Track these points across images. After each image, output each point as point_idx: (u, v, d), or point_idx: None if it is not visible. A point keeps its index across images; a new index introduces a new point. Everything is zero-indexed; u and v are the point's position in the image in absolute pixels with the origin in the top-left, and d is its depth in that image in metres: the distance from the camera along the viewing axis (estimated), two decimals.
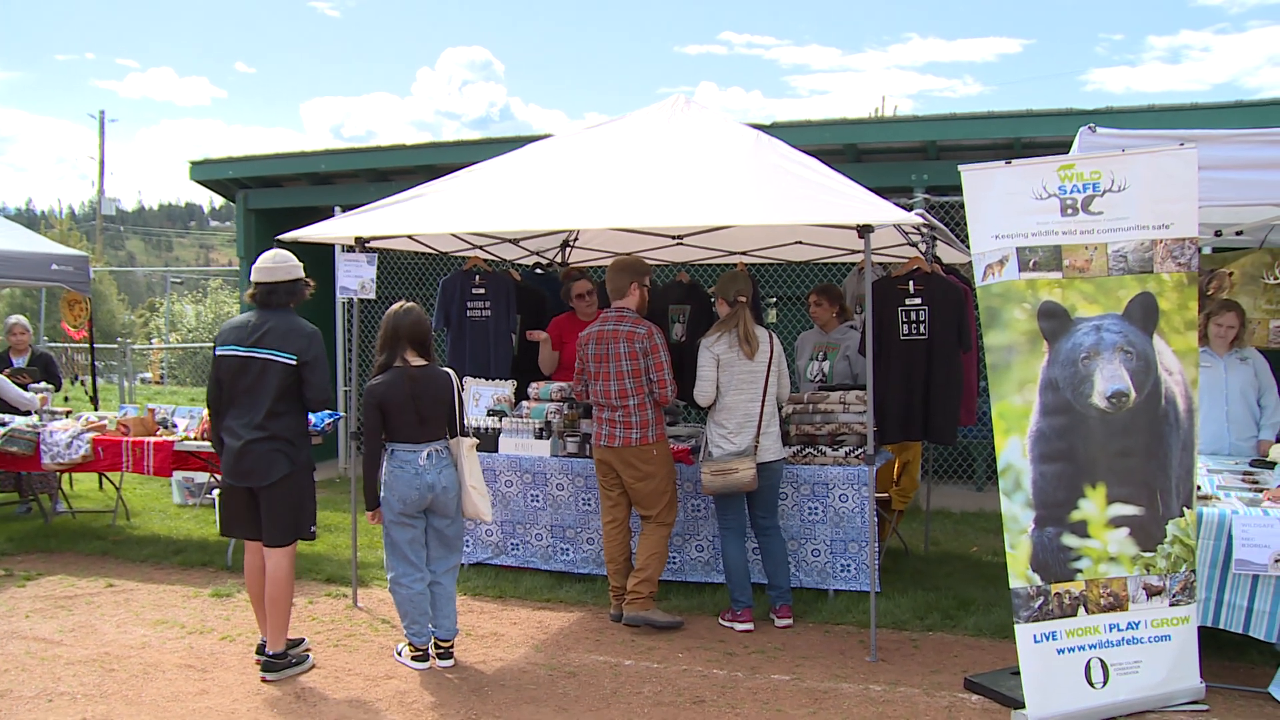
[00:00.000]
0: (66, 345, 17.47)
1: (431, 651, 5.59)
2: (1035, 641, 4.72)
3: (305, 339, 5.41)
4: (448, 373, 5.63)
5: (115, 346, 17.29)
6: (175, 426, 8.30)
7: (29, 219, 65.14)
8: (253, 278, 5.51)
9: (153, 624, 6.25)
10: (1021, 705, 4.71)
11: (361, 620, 6.36)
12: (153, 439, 8.01)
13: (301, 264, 5.58)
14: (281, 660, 5.45)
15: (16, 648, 5.82)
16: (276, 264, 5.51)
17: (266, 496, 5.41)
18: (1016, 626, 4.74)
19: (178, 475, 9.71)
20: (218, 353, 5.47)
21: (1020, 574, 4.76)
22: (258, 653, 5.55)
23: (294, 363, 5.36)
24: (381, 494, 5.54)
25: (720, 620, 6.25)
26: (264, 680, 5.36)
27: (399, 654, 5.67)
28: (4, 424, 8.08)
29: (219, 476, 8.98)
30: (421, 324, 5.59)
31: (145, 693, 5.18)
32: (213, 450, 7.65)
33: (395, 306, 5.62)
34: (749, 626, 6.14)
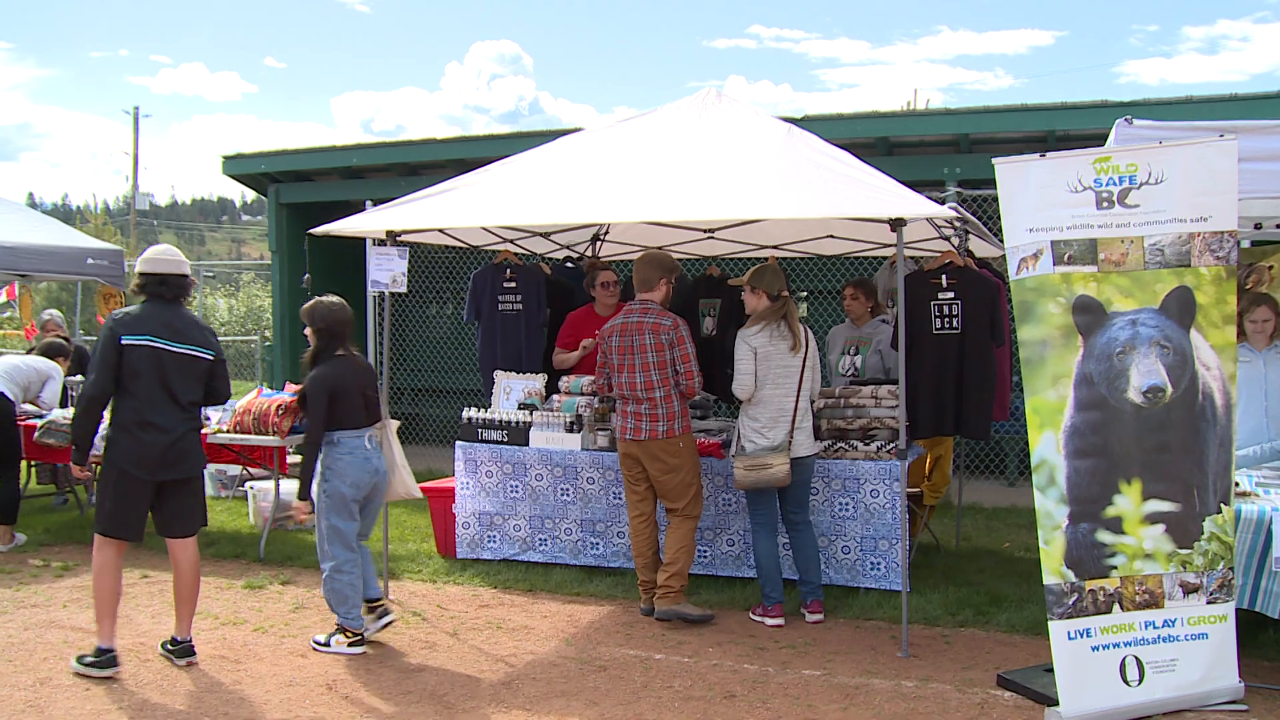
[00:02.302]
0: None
1: (366, 619, 5.78)
2: (1069, 638, 4.67)
3: (214, 335, 5.58)
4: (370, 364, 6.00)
5: None
6: (208, 419, 8.35)
7: (65, 214, 65.78)
8: (146, 268, 5.41)
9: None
10: (1055, 703, 4.67)
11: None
12: None
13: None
14: (189, 644, 5.52)
15: (55, 637, 5.89)
16: (170, 256, 5.50)
17: (183, 488, 5.45)
18: (1050, 623, 4.70)
19: (210, 468, 9.78)
20: (131, 342, 5.24)
21: (1054, 570, 4.71)
22: (164, 647, 5.57)
23: (211, 358, 5.45)
24: (323, 485, 5.65)
25: (751, 615, 6.23)
26: (187, 664, 5.45)
27: (326, 644, 5.71)
28: (42, 417, 8.17)
29: (252, 469, 9.11)
30: (351, 317, 5.85)
31: (180, 683, 5.23)
32: (246, 443, 7.80)
33: (326, 300, 5.81)
34: (780, 621, 6.12)
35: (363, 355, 5.91)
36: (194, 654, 5.51)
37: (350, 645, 5.68)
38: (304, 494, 5.68)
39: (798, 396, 6.14)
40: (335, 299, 5.84)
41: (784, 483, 6.07)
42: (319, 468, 5.68)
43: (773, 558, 6.21)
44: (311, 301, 5.83)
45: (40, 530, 8.39)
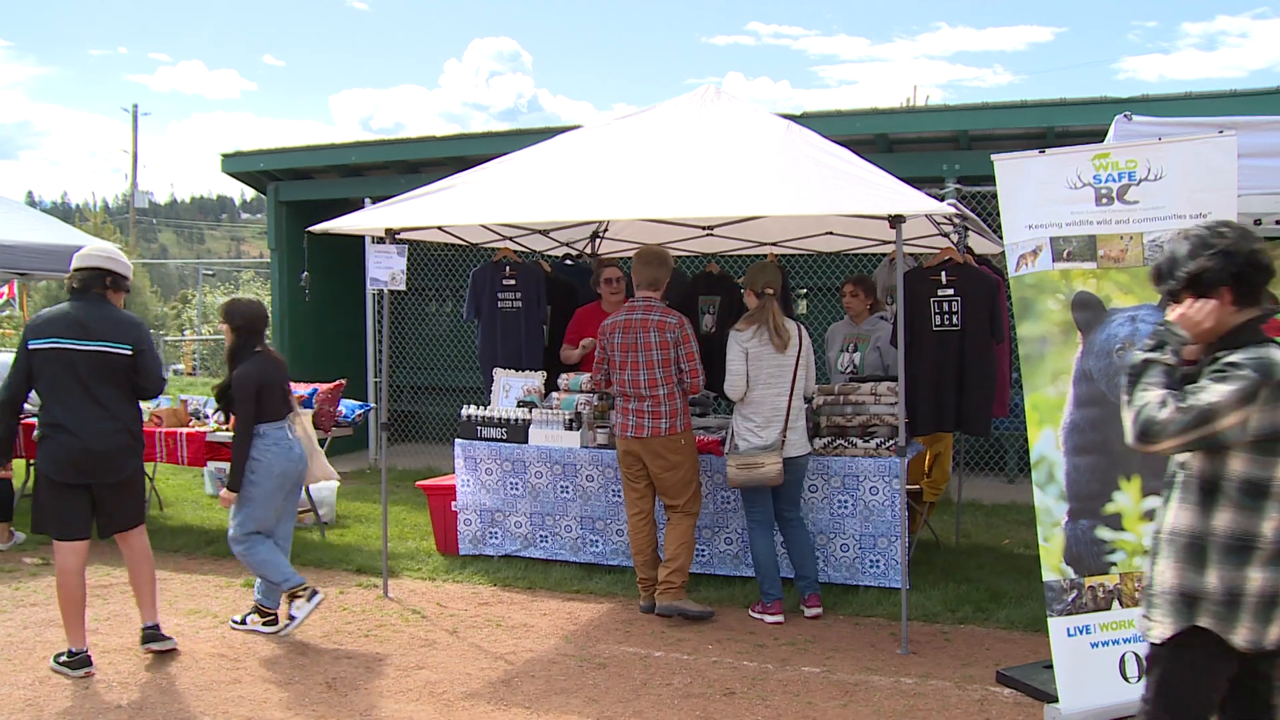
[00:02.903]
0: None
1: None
2: (1069, 635, 4.67)
3: (137, 328, 5.46)
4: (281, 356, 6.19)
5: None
6: (208, 418, 8.37)
7: (64, 212, 65.84)
8: (80, 263, 5.39)
9: (186, 613, 6.29)
10: (1054, 699, 4.67)
11: (392, 611, 6.39)
12: (185, 430, 8.08)
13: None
14: (160, 629, 5.58)
15: (54, 635, 5.88)
16: (105, 252, 5.50)
17: (118, 488, 5.38)
18: (1049, 620, 4.70)
19: (210, 466, 9.77)
20: (39, 345, 5.21)
21: (1053, 567, 4.71)
22: (145, 640, 5.58)
23: (130, 353, 5.35)
24: (250, 475, 5.78)
25: (750, 613, 6.23)
26: (151, 650, 5.51)
27: (244, 623, 5.96)
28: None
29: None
30: (267, 315, 6.08)
31: (179, 681, 5.23)
32: None
33: (243, 299, 6.07)
34: (780, 618, 6.12)
35: (276, 349, 6.09)
36: (165, 638, 5.55)
37: (265, 624, 5.94)
38: (234, 484, 5.79)
39: (790, 396, 6.13)
40: (252, 298, 6.10)
41: (775, 482, 6.07)
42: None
43: (770, 555, 6.21)
44: (229, 300, 6.04)
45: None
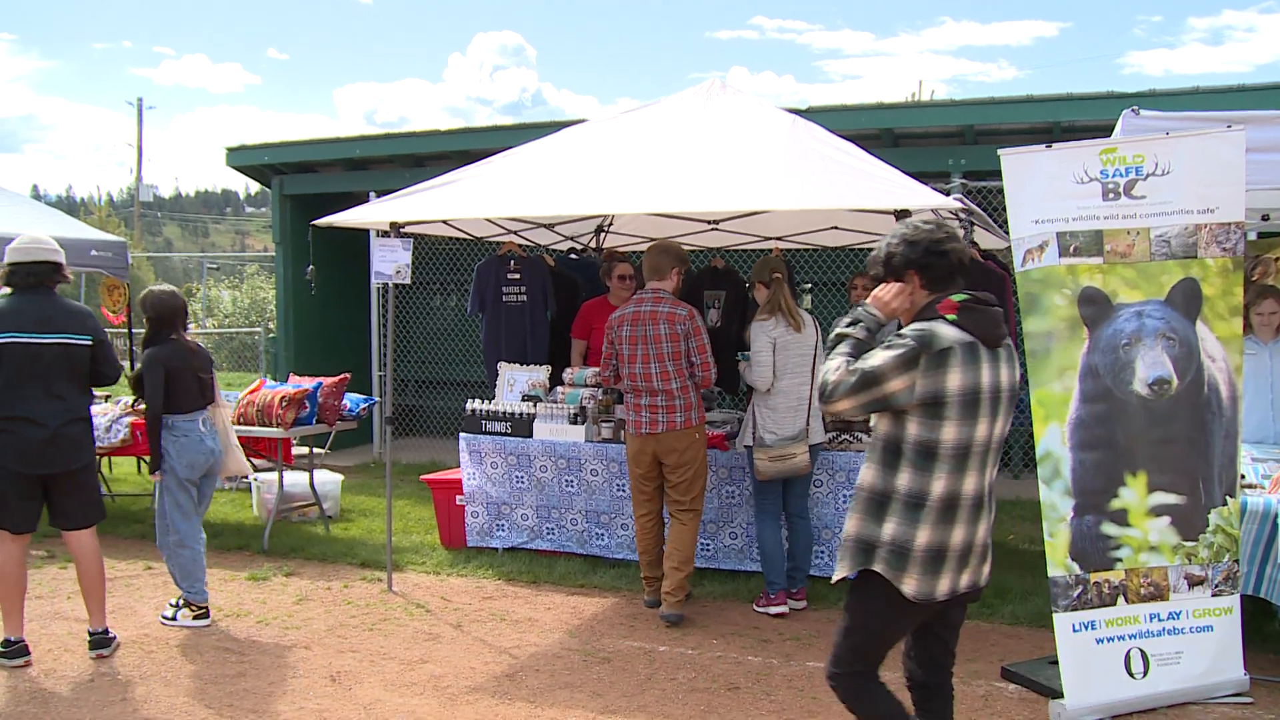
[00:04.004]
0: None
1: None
2: (1074, 631, 4.67)
3: (91, 318, 5.51)
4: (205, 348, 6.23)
5: None
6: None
7: (69, 205, 65.84)
8: (13, 259, 5.37)
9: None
10: (1060, 695, 4.66)
11: (396, 604, 6.39)
12: None
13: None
14: (107, 635, 5.54)
15: (59, 628, 5.89)
16: (38, 244, 5.45)
17: (75, 479, 5.40)
18: (1055, 615, 4.70)
19: None
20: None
21: (1059, 562, 4.70)
22: (92, 646, 5.52)
23: (89, 343, 5.41)
24: (161, 466, 5.89)
25: (755, 607, 6.23)
26: (101, 656, 5.46)
27: (173, 619, 5.98)
28: None
29: (256, 461, 9.10)
30: (186, 305, 6.13)
31: (183, 674, 5.23)
32: (250, 435, 7.80)
33: (158, 289, 6.07)
34: (784, 609, 6.13)
35: (195, 340, 6.16)
36: (108, 645, 5.51)
37: (195, 618, 5.97)
38: (155, 466, 5.91)
39: (812, 383, 6.14)
40: (167, 287, 6.13)
41: (806, 471, 6.12)
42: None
43: (779, 545, 6.21)
44: (146, 291, 6.08)
45: (44, 522, 8.38)
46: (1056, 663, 4.71)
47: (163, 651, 5.54)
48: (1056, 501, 4.73)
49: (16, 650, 5.31)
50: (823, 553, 6.60)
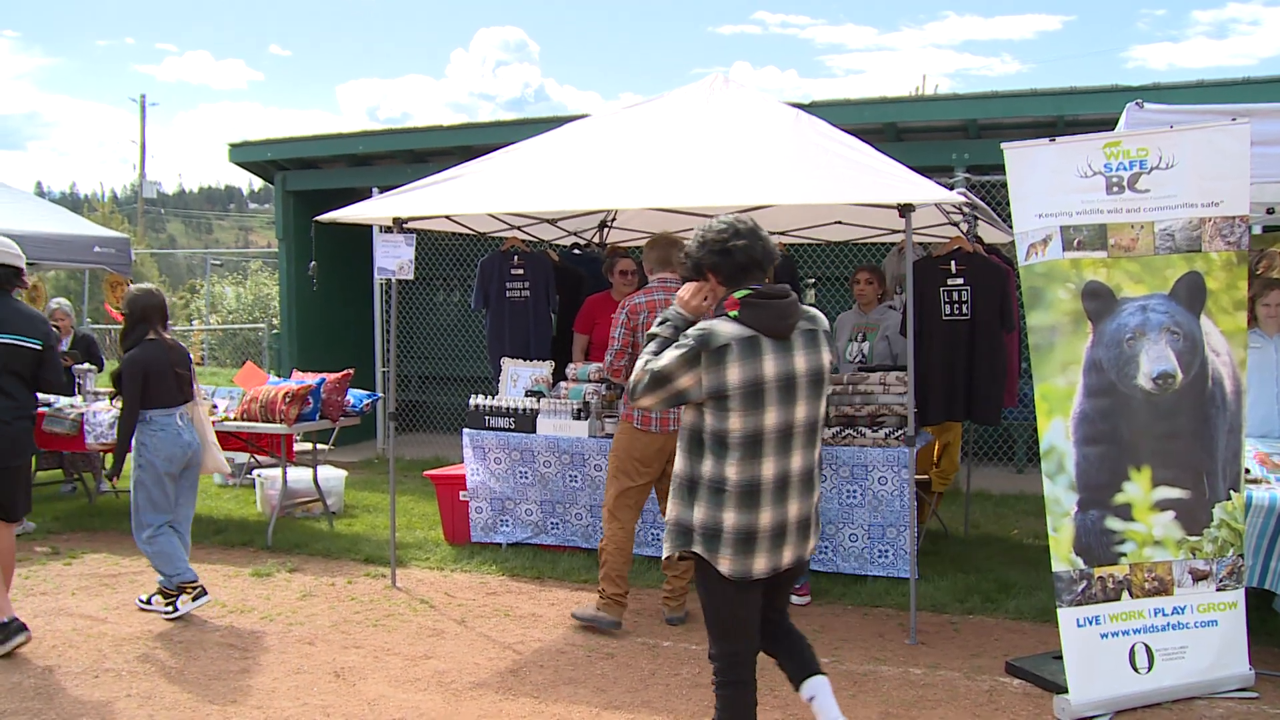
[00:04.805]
0: (109, 326, 17.66)
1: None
2: (1078, 626, 4.66)
3: (44, 324, 5.61)
4: (183, 345, 6.28)
5: None
6: (215, 407, 8.35)
7: (73, 202, 65.89)
8: None
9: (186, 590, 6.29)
10: (1064, 690, 4.65)
11: (400, 600, 6.39)
12: None
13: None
14: (6, 629, 5.50)
15: (64, 624, 5.90)
16: (10, 248, 5.54)
17: (14, 473, 5.49)
18: (1059, 610, 4.69)
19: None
20: None
21: (1063, 557, 4.70)
22: None
23: (39, 348, 5.48)
24: (139, 459, 5.96)
25: None
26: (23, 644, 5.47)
27: (149, 603, 6.11)
28: (49, 404, 8.17)
29: (259, 457, 9.12)
30: (165, 302, 6.17)
31: (188, 670, 5.24)
32: (253, 431, 7.80)
33: (139, 288, 6.16)
34: (807, 599, 6.19)
35: (173, 336, 6.21)
36: (24, 631, 5.45)
37: (194, 600, 6.03)
38: (117, 470, 6.02)
39: None
40: (148, 285, 6.25)
41: None
42: (134, 444, 6.00)
43: None
44: (129, 290, 6.15)
45: (49, 518, 8.40)
46: (1061, 658, 4.70)
47: (167, 648, 5.55)
48: (1060, 496, 4.72)
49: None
50: (825, 548, 6.60)
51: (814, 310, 3.78)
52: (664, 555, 3.76)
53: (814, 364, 3.63)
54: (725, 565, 3.56)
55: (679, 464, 3.66)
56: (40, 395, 8.24)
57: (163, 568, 6.02)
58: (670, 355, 3.52)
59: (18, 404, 5.44)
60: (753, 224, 3.70)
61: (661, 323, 3.73)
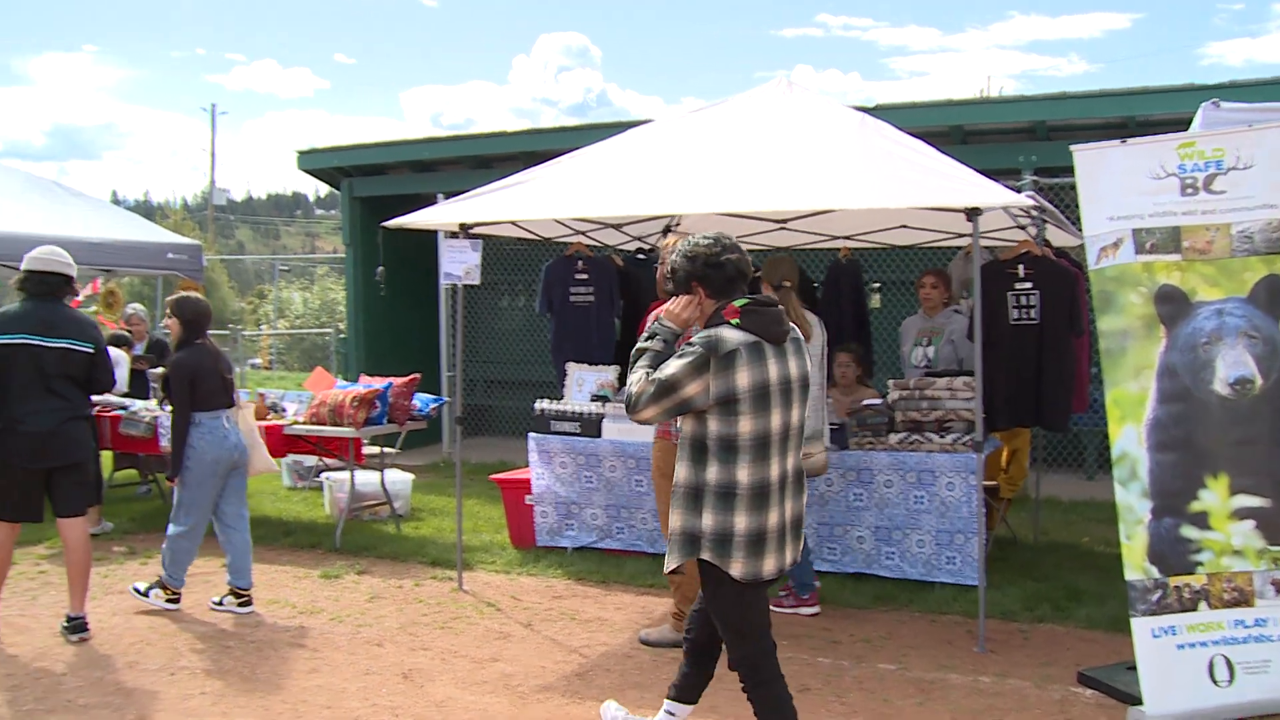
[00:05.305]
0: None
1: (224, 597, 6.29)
2: (1153, 636, 4.56)
3: (95, 329, 5.88)
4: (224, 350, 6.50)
5: (227, 333, 17.76)
6: (285, 411, 8.50)
7: (146, 210, 67.29)
8: (29, 266, 5.67)
9: (265, 603, 6.40)
10: (1138, 701, 4.56)
11: (467, 603, 6.44)
12: (263, 423, 8.20)
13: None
14: (82, 621, 5.74)
15: (141, 622, 6.03)
16: (55, 256, 5.74)
17: (73, 471, 5.70)
18: (1133, 620, 4.60)
19: (287, 458, 9.94)
20: (7, 341, 5.52)
21: (1137, 566, 4.61)
22: (67, 626, 5.74)
23: (91, 351, 5.70)
24: (186, 461, 6.06)
25: (775, 608, 6.14)
26: (83, 641, 5.65)
27: (146, 594, 6.25)
28: (125, 407, 8.36)
29: (327, 460, 9.26)
30: (210, 310, 6.40)
31: (259, 670, 5.32)
32: (322, 435, 7.91)
33: (186, 295, 6.32)
34: (816, 610, 6.14)
35: (216, 342, 6.40)
36: (86, 630, 5.72)
37: (167, 600, 6.23)
38: (176, 470, 6.10)
39: (824, 386, 6.15)
40: (198, 295, 6.47)
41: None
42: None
43: (805, 546, 6.17)
44: (178, 296, 6.30)
45: (126, 519, 8.59)
46: (1134, 668, 4.61)
47: (240, 647, 5.65)
48: (1134, 503, 4.64)
49: None
50: (892, 553, 6.55)
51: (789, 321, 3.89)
52: (668, 568, 3.82)
53: (802, 370, 3.79)
54: (737, 569, 3.64)
55: (681, 473, 3.73)
56: (113, 399, 8.51)
57: (167, 565, 6.22)
58: (676, 364, 3.61)
59: (71, 405, 5.65)
60: (733, 238, 3.86)
61: (650, 337, 3.83)
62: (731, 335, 3.61)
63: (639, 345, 3.84)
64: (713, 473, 3.65)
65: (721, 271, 3.74)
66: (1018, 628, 5.93)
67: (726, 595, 3.74)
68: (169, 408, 6.22)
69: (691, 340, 3.65)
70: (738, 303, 3.69)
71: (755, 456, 3.63)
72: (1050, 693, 4.94)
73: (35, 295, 5.64)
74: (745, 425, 3.60)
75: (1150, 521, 4.62)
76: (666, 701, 4.20)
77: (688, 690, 4.18)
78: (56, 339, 5.57)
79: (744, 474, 3.62)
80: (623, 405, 3.86)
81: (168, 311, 6.26)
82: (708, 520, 3.65)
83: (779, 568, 3.74)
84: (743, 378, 3.58)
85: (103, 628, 5.92)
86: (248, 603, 6.25)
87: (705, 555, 3.66)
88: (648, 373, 3.69)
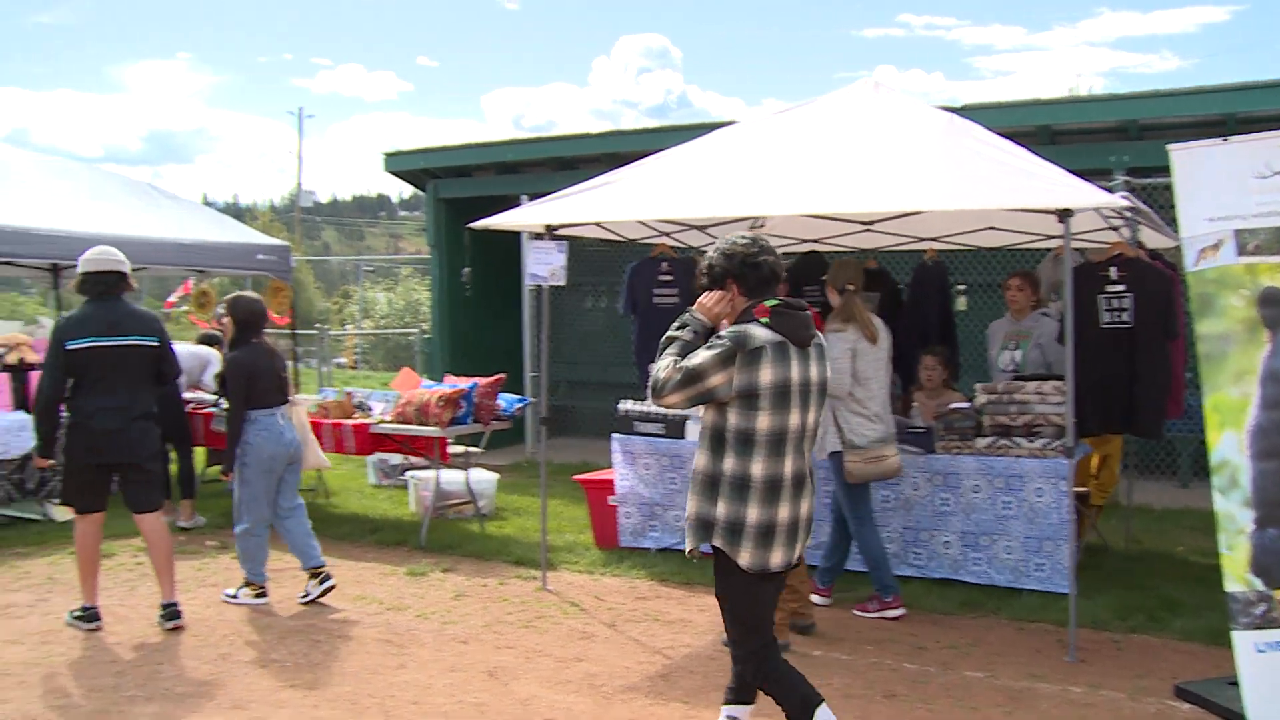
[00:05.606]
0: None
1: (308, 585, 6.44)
2: (1257, 651, 4.41)
3: (158, 322, 6.04)
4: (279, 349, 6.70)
5: (314, 333, 18.05)
6: (371, 409, 8.63)
7: (235, 212, 68.70)
8: (85, 268, 5.81)
9: (353, 599, 6.51)
10: (1241, 717, 4.42)
11: (551, 602, 6.48)
12: (351, 421, 8.35)
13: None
14: (175, 607, 5.95)
15: (234, 614, 6.17)
16: (108, 255, 5.88)
17: (136, 470, 5.88)
18: (1234, 633, 4.46)
19: (372, 456, 10.10)
20: (76, 346, 5.66)
21: (1238, 577, 4.47)
22: (162, 613, 5.94)
23: (157, 344, 5.90)
24: (242, 457, 6.24)
25: (861, 613, 6.10)
26: (178, 627, 5.88)
27: (235, 596, 6.40)
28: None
29: (413, 459, 9.38)
30: (265, 310, 6.57)
31: (347, 665, 5.41)
32: (408, 434, 8.02)
33: (246, 296, 6.51)
34: (903, 611, 6.08)
35: (271, 341, 6.60)
36: (179, 616, 5.93)
37: (256, 596, 6.39)
38: (229, 465, 6.28)
39: (889, 388, 6.12)
40: (253, 294, 6.62)
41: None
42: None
43: (883, 548, 6.14)
44: (234, 295, 6.47)
45: (218, 514, 8.77)
46: (1236, 683, 4.47)
47: (328, 642, 5.75)
48: (1235, 513, 4.51)
49: (91, 616, 5.89)
50: (979, 559, 6.45)
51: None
52: (687, 549, 3.91)
53: (822, 374, 3.89)
54: (745, 558, 3.74)
55: (700, 461, 3.85)
56: (205, 397, 8.72)
57: (244, 564, 6.39)
58: (704, 354, 3.72)
59: (138, 404, 5.83)
60: (768, 240, 3.96)
61: (680, 327, 3.93)
62: (759, 333, 3.72)
63: (669, 334, 3.94)
64: (729, 464, 3.76)
65: (757, 271, 3.85)
66: (1110, 637, 5.80)
67: (736, 585, 3.84)
68: (224, 404, 6.40)
69: (721, 334, 3.78)
70: (768, 303, 3.81)
71: (770, 452, 3.74)
72: (1145, 705, 4.82)
73: (96, 296, 5.82)
74: (764, 421, 3.71)
75: (1254, 532, 4.47)
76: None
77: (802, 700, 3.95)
78: (122, 336, 5.77)
79: (758, 468, 3.73)
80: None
81: (222, 311, 6.43)
82: (721, 509, 3.77)
83: (786, 561, 3.83)
84: (766, 375, 3.69)
85: (197, 619, 6.06)
86: (327, 578, 6.41)
87: (717, 542, 3.78)
88: (675, 360, 3.80)
